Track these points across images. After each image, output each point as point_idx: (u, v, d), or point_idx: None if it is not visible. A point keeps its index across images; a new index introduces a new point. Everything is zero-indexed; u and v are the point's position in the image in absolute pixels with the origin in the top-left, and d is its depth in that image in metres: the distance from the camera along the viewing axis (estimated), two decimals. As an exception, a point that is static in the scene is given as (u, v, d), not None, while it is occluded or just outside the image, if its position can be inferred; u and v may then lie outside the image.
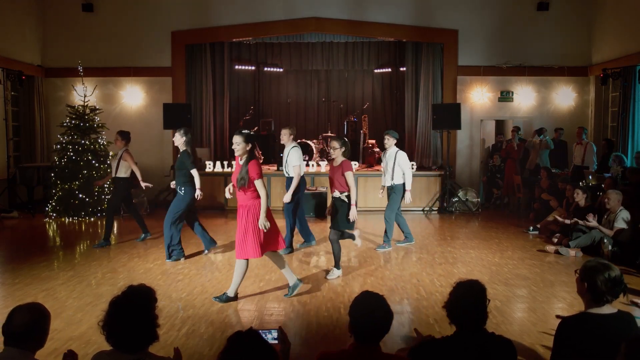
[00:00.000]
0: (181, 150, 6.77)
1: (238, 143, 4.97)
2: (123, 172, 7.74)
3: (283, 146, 7.59)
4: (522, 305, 5.21)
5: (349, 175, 5.93)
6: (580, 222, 7.28)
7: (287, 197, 7.07)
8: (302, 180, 7.30)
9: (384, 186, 7.72)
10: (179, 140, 6.73)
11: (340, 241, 6.11)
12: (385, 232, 7.51)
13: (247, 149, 4.98)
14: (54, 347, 4.00)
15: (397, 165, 7.51)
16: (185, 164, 6.72)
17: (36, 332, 2.55)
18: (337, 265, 6.09)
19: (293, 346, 4.12)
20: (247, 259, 5.09)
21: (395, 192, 7.57)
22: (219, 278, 6.05)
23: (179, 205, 6.75)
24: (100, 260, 6.87)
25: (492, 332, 2.51)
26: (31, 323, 2.52)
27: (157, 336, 2.44)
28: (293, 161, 7.20)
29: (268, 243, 5.05)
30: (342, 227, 5.95)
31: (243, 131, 5.03)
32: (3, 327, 2.54)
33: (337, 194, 6.00)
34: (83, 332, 4.39)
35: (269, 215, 5.03)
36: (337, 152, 6.06)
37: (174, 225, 6.76)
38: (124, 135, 7.94)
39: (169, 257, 6.79)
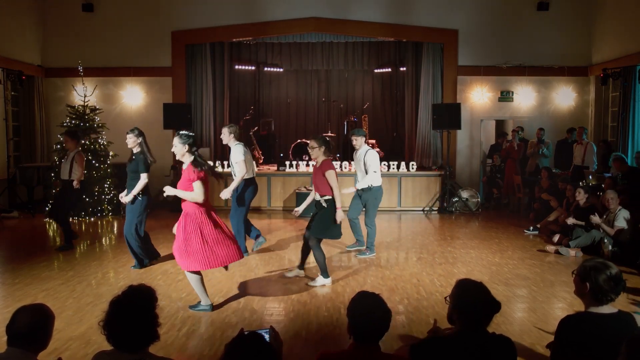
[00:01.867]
0: (135, 152, 6.25)
1: (175, 145, 4.71)
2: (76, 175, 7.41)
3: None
4: (522, 305, 5.21)
5: (331, 176, 5.49)
6: (580, 222, 7.29)
7: (226, 193, 6.53)
8: (251, 182, 6.89)
9: (359, 188, 7.07)
10: (134, 141, 6.20)
11: (335, 242, 5.96)
12: (367, 237, 7.11)
13: (185, 150, 4.70)
14: (54, 347, 4.00)
15: (367, 165, 6.91)
16: (139, 166, 6.18)
17: (39, 334, 2.55)
18: (323, 273, 5.66)
19: (293, 346, 4.14)
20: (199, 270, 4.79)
21: (375, 198, 7.00)
22: (219, 278, 6.05)
23: (136, 212, 6.22)
24: (100, 260, 6.87)
25: (492, 332, 2.51)
26: (34, 324, 2.52)
27: (157, 336, 2.44)
28: (236, 157, 6.64)
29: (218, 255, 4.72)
30: (317, 234, 5.55)
31: (181, 132, 4.77)
32: (7, 327, 2.54)
33: (317, 196, 5.62)
34: (83, 332, 4.39)
35: (218, 225, 4.77)
36: (316, 152, 5.59)
37: (136, 235, 6.26)
38: (75, 136, 7.69)
39: (140, 264, 6.43)
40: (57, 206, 7.69)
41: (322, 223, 5.53)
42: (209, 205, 4.82)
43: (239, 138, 6.90)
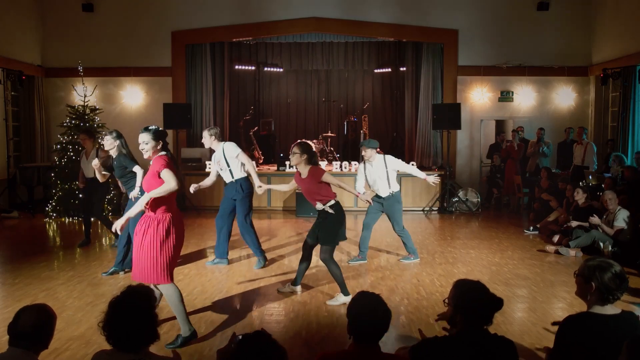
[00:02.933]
0: (116, 155, 6.04)
1: (146, 142, 4.04)
2: (91, 173, 7.31)
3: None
4: (522, 305, 5.21)
5: (328, 177, 5.14)
6: (584, 223, 7.28)
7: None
8: (249, 182, 6.42)
9: (376, 200, 6.81)
10: (112, 144, 5.98)
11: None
12: (405, 245, 6.87)
13: (158, 147, 4.08)
14: (54, 347, 3.99)
15: (392, 170, 6.65)
16: (127, 164, 5.99)
17: (41, 334, 2.56)
18: (343, 290, 5.20)
19: (293, 347, 4.13)
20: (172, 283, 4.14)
21: (398, 202, 6.77)
22: (219, 278, 6.05)
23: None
24: (100, 260, 6.87)
25: (494, 333, 2.50)
26: (37, 324, 2.53)
27: (157, 335, 2.44)
28: (234, 151, 6.29)
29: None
30: (329, 242, 5.17)
31: (150, 127, 4.11)
32: (9, 327, 2.55)
33: (319, 205, 5.16)
34: (83, 332, 4.39)
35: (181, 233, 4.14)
36: (297, 158, 5.16)
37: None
38: (93, 135, 7.72)
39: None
40: (91, 203, 7.54)
41: (331, 229, 5.16)
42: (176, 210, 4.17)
43: (222, 139, 6.56)
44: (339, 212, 5.20)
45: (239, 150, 6.38)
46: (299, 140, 5.49)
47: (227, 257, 6.69)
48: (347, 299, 5.05)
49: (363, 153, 6.74)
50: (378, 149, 6.81)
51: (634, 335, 2.18)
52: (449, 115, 11.04)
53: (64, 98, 12.12)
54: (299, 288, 5.48)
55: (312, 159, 5.20)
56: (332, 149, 13.51)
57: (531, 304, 5.20)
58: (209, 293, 5.43)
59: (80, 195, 7.73)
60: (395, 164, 6.75)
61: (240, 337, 2.10)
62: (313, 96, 15.85)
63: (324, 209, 5.15)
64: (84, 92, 10.38)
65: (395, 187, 6.74)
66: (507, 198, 11.84)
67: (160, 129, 4.17)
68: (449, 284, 5.75)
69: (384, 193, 6.72)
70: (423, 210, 11.06)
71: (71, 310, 4.92)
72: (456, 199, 11.14)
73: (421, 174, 6.90)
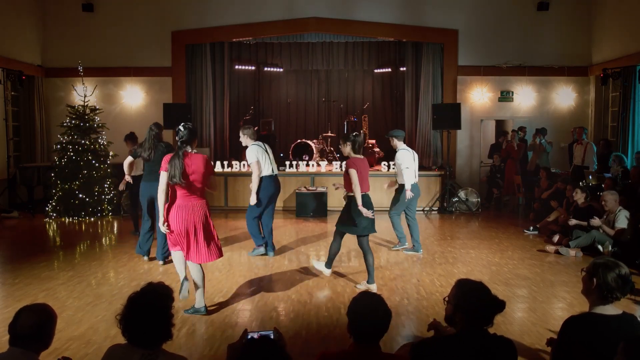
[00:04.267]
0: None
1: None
2: (137, 170, 7.73)
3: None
4: (522, 305, 5.21)
5: (351, 174, 5.45)
6: (582, 223, 7.27)
7: (252, 199, 6.68)
8: (266, 180, 6.76)
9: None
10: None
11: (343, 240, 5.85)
12: (411, 235, 7.37)
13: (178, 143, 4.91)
14: (54, 347, 3.98)
15: (398, 163, 7.25)
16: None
17: (42, 334, 2.54)
18: (327, 262, 5.88)
19: (293, 347, 4.13)
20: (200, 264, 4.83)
21: (397, 192, 7.39)
22: (219, 278, 6.05)
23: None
24: (100, 260, 6.87)
25: (494, 332, 2.50)
26: (37, 325, 2.52)
27: (171, 335, 2.45)
28: (249, 158, 6.67)
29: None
30: (338, 226, 5.69)
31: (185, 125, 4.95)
32: (9, 327, 2.53)
33: (345, 192, 5.71)
34: (83, 332, 4.39)
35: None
36: (342, 149, 5.71)
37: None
38: (128, 137, 8.40)
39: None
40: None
41: (343, 215, 5.67)
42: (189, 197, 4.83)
43: (255, 138, 6.88)
44: (355, 205, 5.48)
45: (253, 160, 6.67)
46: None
47: (273, 250, 7.12)
48: (323, 269, 5.94)
49: (391, 144, 7.44)
50: (394, 138, 7.33)
51: (628, 337, 2.18)
52: (449, 115, 11.04)
53: (64, 98, 12.12)
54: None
55: (353, 148, 5.61)
56: (332, 149, 13.51)
57: (531, 304, 5.20)
58: (209, 293, 5.43)
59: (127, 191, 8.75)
60: (397, 159, 7.28)
61: (250, 335, 2.11)
62: (313, 96, 15.86)
63: (347, 195, 5.65)
64: (84, 92, 10.38)
65: (401, 180, 7.20)
66: (507, 198, 11.84)
67: (183, 126, 4.93)
68: (449, 284, 5.75)
69: (400, 180, 7.31)
70: (423, 210, 11.06)
71: (71, 310, 4.92)
72: (456, 199, 11.14)
73: (407, 184, 7.15)
